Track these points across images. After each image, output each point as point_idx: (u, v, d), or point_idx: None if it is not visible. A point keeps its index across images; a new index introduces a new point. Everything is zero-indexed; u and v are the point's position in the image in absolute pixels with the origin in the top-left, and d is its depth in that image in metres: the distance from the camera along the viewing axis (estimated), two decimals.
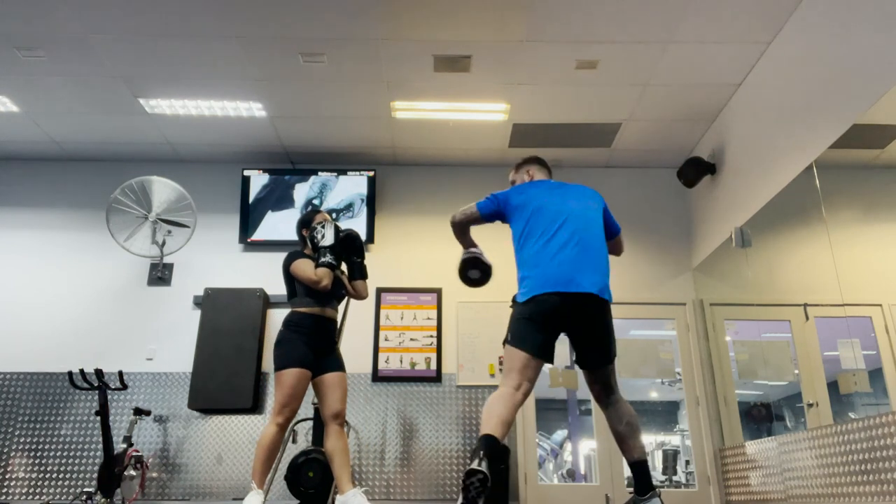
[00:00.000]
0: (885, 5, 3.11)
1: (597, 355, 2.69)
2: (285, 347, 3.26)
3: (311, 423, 4.61)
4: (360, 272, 3.56)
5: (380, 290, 5.32)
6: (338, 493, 3.20)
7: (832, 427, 3.38)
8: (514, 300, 2.73)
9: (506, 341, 2.67)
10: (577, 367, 2.80)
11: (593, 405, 5.13)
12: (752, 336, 4.80)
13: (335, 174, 5.63)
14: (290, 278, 3.40)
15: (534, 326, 2.61)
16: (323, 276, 3.26)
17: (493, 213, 2.93)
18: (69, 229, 5.54)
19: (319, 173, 5.63)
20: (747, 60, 4.40)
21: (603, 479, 4.97)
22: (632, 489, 2.62)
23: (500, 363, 2.77)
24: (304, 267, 3.32)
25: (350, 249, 3.52)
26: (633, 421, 2.64)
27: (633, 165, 5.79)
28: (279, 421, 3.17)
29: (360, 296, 3.60)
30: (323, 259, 3.30)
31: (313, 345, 3.29)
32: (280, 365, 3.22)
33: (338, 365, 3.39)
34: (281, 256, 5.39)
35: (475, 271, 3.09)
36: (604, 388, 2.71)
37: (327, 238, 3.34)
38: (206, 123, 5.21)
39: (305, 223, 3.57)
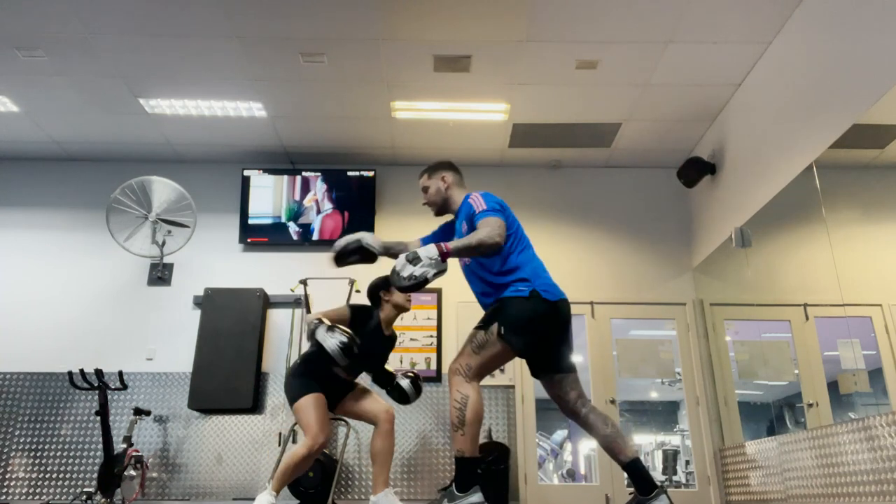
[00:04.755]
0: (884, 5, 3.11)
1: (570, 358, 2.72)
2: (299, 380, 3.29)
3: None
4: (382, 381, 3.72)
5: None
6: (371, 494, 3.26)
7: (832, 427, 3.38)
8: (533, 294, 2.54)
9: (501, 335, 2.50)
10: (547, 378, 2.71)
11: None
12: (752, 336, 4.80)
13: (335, 174, 5.63)
14: None
15: (545, 332, 2.58)
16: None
17: None
18: (69, 229, 5.54)
19: (319, 173, 5.63)
20: (747, 60, 4.40)
21: (603, 479, 4.97)
22: (632, 490, 2.57)
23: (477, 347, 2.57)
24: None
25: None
26: (615, 422, 2.64)
27: (633, 165, 5.78)
28: (314, 447, 3.15)
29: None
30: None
31: (325, 378, 3.35)
32: (294, 397, 3.25)
33: (355, 386, 3.53)
34: (280, 256, 5.48)
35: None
36: (580, 393, 2.67)
37: (328, 345, 3.18)
38: (206, 123, 5.20)
39: (384, 287, 3.52)
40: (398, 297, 3.47)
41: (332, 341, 3.13)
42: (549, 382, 2.71)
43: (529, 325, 2.55)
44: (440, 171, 2.95)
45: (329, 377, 3.34)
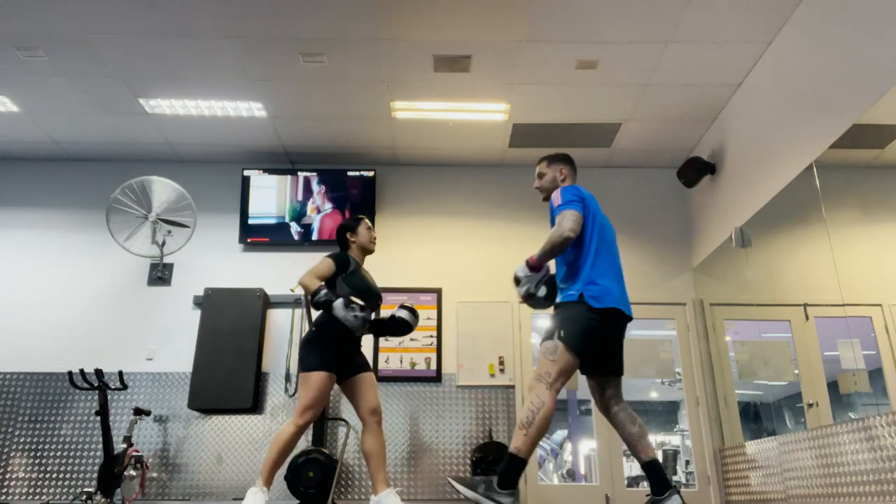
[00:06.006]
0: (884, 5, 3.11)
1: (621, 364, 2.88)
2: (317, 351, 3.22)
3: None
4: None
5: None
6: (372, 494, 3.24)
7: (832, 427, 3.38)
8: (581, 300, 2.65)
9: (562, 339, 2.61)
10: (590, 376, 2.86)
11: (593, 405, 5.13)
12: (752, 336, 4.80)
13: (335, 174, 5.63)
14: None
15: (599, 337, 2.67)
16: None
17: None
18: (69, 229, 5.54)
19: (319, 173, 5.63)
20: (747, 60, 4.40)
21: (603, 479, 4.97)
22: (634, 489, 2.62)
23: (546, 356, 2.66)
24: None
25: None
26: (642, 423, 2.77)
27: (633, 165, 5.79)
28: (303, 424, 3.16)
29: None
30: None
31: (341, 348, 3.29)
32: (308, 367, 3.20)
33: (367, 364, 3.45)
34: (281, 256, 5.48)
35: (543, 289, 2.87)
36: (616, 393, 2.83)
37: (350, 322, 3.18)
38: (206, 123, 5.21)
39: (349, 229, 3.57)
40: (363, 238, 3.54)
41: (351, 315, 3.14)
42: (590, 379, 2.86)
43: (582, 328, 2.64)
44: (559, 163, 3.06)
45: (346, 338, 3.30)
